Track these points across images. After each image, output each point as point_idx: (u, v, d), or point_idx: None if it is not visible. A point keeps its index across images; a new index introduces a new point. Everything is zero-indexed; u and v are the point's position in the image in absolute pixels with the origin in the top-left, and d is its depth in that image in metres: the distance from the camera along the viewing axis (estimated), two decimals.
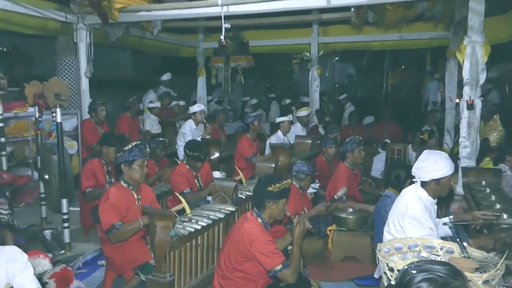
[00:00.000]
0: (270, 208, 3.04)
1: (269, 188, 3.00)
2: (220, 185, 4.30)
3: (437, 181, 2.90)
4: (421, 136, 6.68)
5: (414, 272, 1.44)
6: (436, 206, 3.04)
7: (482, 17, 4.66)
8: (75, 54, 6.53)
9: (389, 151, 6.48)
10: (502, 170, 4.65)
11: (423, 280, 1.40)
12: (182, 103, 9.13)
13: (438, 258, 2.25)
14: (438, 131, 7.56)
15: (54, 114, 4.44)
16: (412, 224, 2.83)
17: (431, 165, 2.89)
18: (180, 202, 3.72)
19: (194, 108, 7.00)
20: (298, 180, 4.40)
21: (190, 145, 4.85)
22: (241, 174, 4.97)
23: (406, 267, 1.49)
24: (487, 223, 3.18)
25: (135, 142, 3.78)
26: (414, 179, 3.01)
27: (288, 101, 10.90)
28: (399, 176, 4.02)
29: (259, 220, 3.04)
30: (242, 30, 8.54)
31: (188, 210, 3.53)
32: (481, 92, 4.73)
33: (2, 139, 5.07)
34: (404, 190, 3.11)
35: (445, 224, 3.00)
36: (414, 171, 3.00)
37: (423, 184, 2.96)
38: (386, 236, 3.02)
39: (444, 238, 2.87)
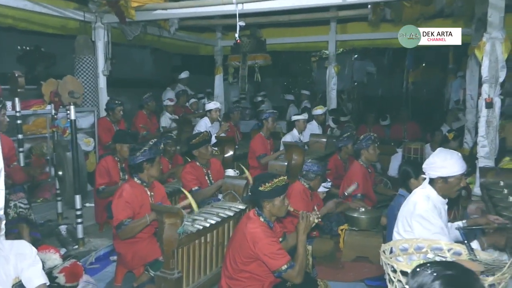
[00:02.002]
0: (266, 207, 3.00)
1: (260, 188, 2.95)
2: (231, 183, 4.28)
3: (444, 179, 2.82)
4: (446, 134, 6.52)
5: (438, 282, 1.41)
6: (446, 207, 2.96)
7: (503, 13, 4.51)
8: (93, 53, 6.63)
9: (405, 150, 6.33)
10: None
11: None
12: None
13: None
14: (458, 130, 7.37)
15: (68, 112, 4.51)
16: (420, 223, 2.77)
17: (441, 161, 2.81)
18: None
19: (210, 106, 7.03)
20: (308, 180, 4.29)
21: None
22: (247, 172, 4.84)
23: (425, 277, 1.45)
24: (501, 227, 3.07)
25: (153, 140, 3.88)
26: (424, 175, 2.93)
27: (290, 97, 10.85)
28: (406, 172, 3.93)
29: (261, 219, 3.01)
30: (260, 28, 8.48)
31: (195, 207, 3.52)
32: (500, 90, 4.59)
33: (20, 136, 5.19)
34: (414, 190, 3.04)
35: (457, 229, 2.89)
36: (424, 166, 2.93)
37: (431, 182, 2.88)
38: (395, 236, 2.96)
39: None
